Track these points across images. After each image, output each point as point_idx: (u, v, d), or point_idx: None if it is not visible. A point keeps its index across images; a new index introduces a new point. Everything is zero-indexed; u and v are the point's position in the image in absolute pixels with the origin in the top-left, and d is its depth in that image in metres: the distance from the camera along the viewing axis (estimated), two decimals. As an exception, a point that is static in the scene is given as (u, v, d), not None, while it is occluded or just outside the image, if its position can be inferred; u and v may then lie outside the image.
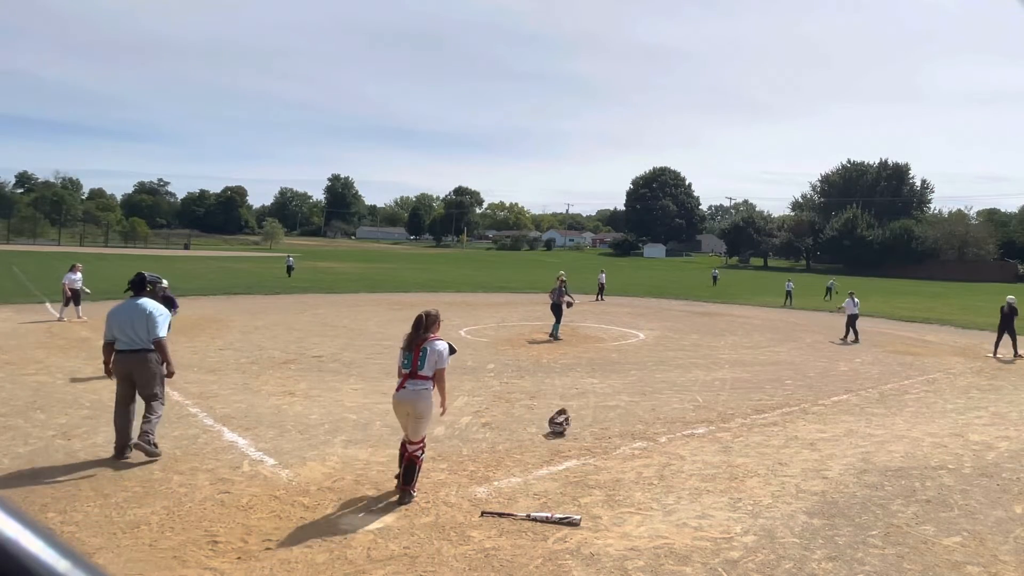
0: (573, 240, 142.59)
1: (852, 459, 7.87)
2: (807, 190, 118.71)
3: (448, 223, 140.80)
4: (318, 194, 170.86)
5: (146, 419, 7.05)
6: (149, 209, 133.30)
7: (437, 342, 6.16)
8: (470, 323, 19.38)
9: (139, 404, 7.31)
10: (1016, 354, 17.03)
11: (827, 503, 6.39)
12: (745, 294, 38.67)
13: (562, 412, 8.72)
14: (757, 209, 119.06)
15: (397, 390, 6.13)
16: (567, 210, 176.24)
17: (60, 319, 17.50)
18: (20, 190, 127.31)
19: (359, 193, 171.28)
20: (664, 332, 19.79)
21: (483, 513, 5.83)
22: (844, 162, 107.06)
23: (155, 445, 7.02)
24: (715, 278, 47.60)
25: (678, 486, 6.73)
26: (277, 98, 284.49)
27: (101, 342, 7.33)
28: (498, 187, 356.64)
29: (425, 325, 6.19)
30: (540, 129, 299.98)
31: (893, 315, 27.95)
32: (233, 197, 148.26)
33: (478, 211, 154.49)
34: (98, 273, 30.40)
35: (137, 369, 7.09)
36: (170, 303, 10.79)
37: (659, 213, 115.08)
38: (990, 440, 8.99)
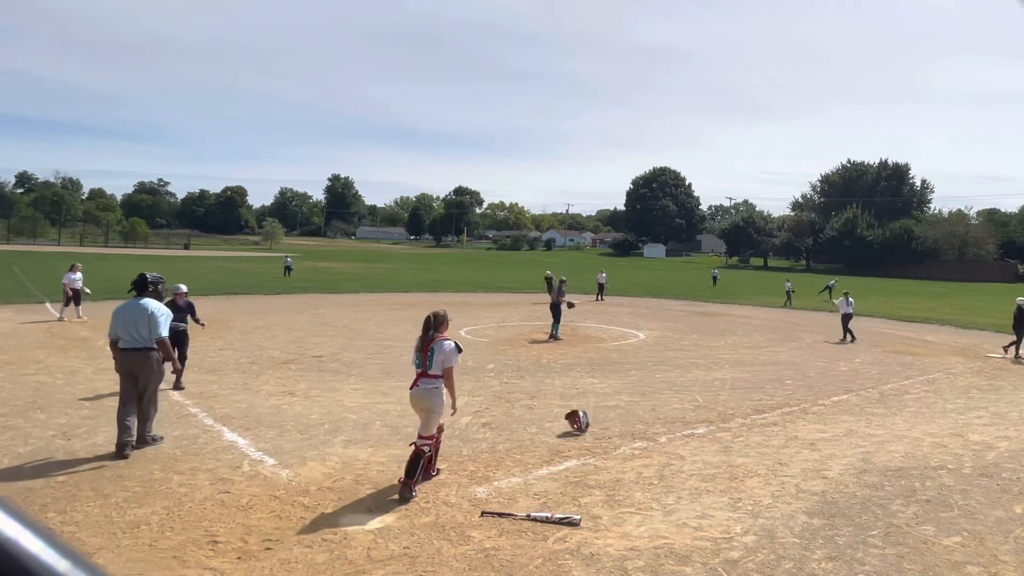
0: (573, 240, 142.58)
1: (852, 459, 7.87)
2: (807, 190, 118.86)
3: (448, 223, 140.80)
4: (318, 194, 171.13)
5: (141, 421, 7.33)
6: (149, 209, 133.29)
7: (444, 342, 6.36)
8: (470, 323, 19.38)
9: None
10: (1017, 355, 17.02)
11: (827, 503, 6.39)
12: (745, 294, 38.67)
13: (576, 413, 8.73)
14: (757, 209, 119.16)
15: (411, 388, 6.44)
16: (567, 210, 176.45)
17: (60, 319, 17.50)
18: (20, 190, 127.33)
19: (359, 193, 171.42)
20: (664, 332, 19.79)
21: (483, 513, 5.84)
22: (844, 162, 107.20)
23: (153, 437, 7.44)
24: (715, 278, 47.55)
25: (678, 486, 6.73)
26: (277, 98, 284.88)
27: (101, 342, 7.44)
28: (498, 187, 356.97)
29: (433, 325, 6.42)
30: (540, 129, 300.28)
31: (893, 315, 27.96)
32: (233, 197, 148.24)
33: (478, 211, 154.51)
34: (98, 273, 30.41)
35: (139, 367, 7.27)
36: (190, 311, 10.70)
37: (659, 213, 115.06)
38: (990, 440, 8.99)
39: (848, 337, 18.94)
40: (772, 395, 11.44)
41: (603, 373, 12.90)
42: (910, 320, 26.47)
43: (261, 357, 13.36)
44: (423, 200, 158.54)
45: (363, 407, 9.64)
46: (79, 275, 18.13)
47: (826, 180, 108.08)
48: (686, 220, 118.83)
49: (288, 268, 39.39)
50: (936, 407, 10.98)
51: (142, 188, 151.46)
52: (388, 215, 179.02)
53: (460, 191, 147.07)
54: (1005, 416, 10.51)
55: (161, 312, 7.37)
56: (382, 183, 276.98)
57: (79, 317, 17.67)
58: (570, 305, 17.77)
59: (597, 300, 30.29)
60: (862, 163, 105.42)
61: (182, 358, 10.18)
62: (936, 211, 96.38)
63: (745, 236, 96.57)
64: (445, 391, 6.36)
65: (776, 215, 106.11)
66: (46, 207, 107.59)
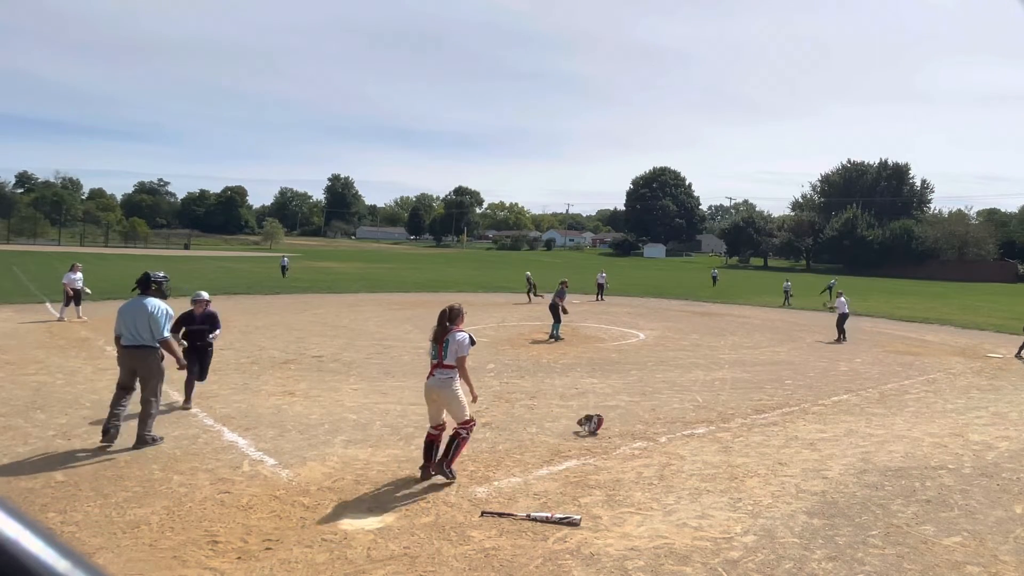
0: (573, 240, 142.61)
1: (852, 459, 7.87)
2: (807, 190, 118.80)
3: (448, 223, 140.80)
4: (318, 194, 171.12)
5: (141, 421, 7.37)
6: (149, 209, 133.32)
7: (458, 333, 6.64)
8: (470, 323, 19.22)
9: (141, 404, 7.40)
10: (1019, 354, 17.02)
11: (827, 503, 6.39)
12: (745, 294, 38.67)
13: (589, 418, 8.73)
14: (757, 209, 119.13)
15: (427, 378, 6.69)
16: (567, 210, 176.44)
17: (60, 319, 17.50)
18: (20, 190, 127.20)
19: (359, 193, 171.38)
20: (664, 332, 19.79)
21: (483, 513, 5.84)
22: (844, 162, 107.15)
23: (153, 438, 7.43)
24: (715, 278, 47.47)
25: (678, 486, 6.73)
26: (277, 98, 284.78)
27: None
28: (498, 187, 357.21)
29: (449, 318, 6.71)
30: (540, 129, 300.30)
31: (893, 315, 27.96)
32: (233, 197, 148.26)
33: (478, 211, 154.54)
34: (98, 273, 30.42)
35: (138, 365, 7.42)
36: (211, 323, 9.48)
37: (659, 213, 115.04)
38: (990, 440, 8.99)
39: (842, 337, 18.93)
40: (772, 395, 11.44)
41: (603, 373, 12.90)
42: (910, 320, 26.46)
43: (261, 357, 13.35)
44: (423, 200, 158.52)
45: (363, 407, 9.64)
46: (79, 275, 18.12)
47: (826, 180, 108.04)
48: (686, 220, 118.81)
49: (284, 268, 39.41)
50: (936, 407, 10.98)
51: (142, 188, 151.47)
52: (388, 215, 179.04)
53: (460, 191, 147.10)
54: (1005, 416, 10.50)
55: (162, 311, 7.44)
56: (382, 183, 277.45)
57: (79, 317, 17.67)
58: (563, 311, 17.69)
59: (597, 300, 30.29)
60: (862, 163, 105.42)
61: (202, 373, 9.26)
62: (936, 211, 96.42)
63: (745, 236, 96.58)
64: (459, 381, 6.60)
65: (776, 215, 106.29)
66: (46, 207, 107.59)
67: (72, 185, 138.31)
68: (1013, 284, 67.04)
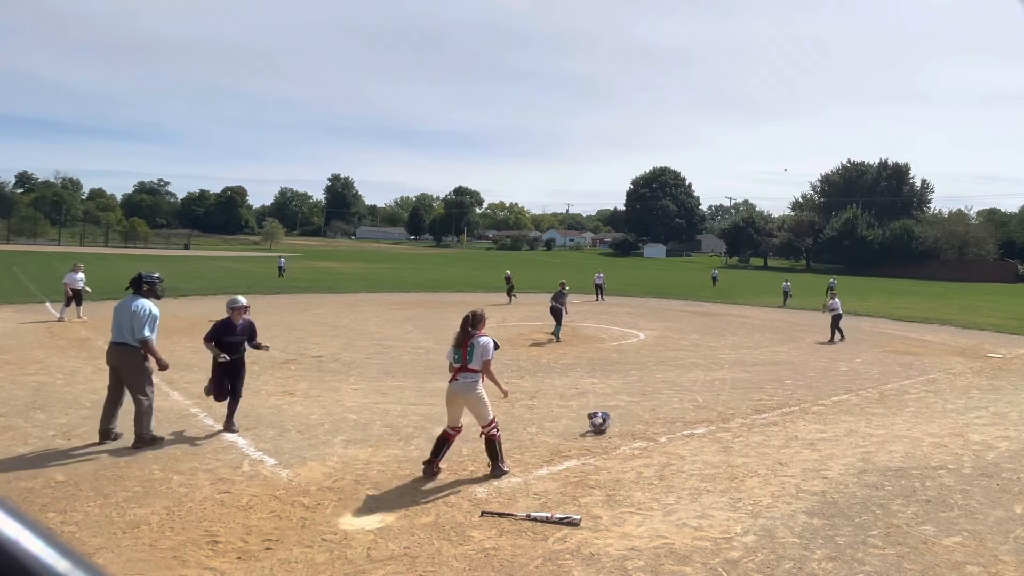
0: (573, 240, 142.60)
1: (852, 459, 7.87)
2: (807, 190, 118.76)
3: (448, 223, 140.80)
4: (318, 194, 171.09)
5: (135, 420, 7.40)
6: (149, 209, 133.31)
7: (482, 338, 6.83)
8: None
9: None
10: None
11: (827, 503, 6.39)
12: (745, 294, 38.66)
13: (596, 415, 8.72)
14: (757, 209, 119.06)
15: (450, 382, 6.84)
16: (567, 210, 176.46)
17: (60, 319, 17.50)
18: (20, 190, 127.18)
19: (359, 193, 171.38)
20: (664, 332, 19.79)
21: (483, 513, 5.84)
22: (844, 162, 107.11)
23: (152, 438, 7.45)
24: (715, 278, 47.38)
25: (678, 486, 6.73)
26: (277, 98, 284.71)
27: (100, 342, 7.56)
28: (498, 187, 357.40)
29: (472, 323, 6.87)
30: (540, 129, 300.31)
31: (893, 315, 27.95)
32: (233, 197, 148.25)
33: (478, 211, 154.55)
34: (98, 273, 30.39)
35: (120, 362, 7.56)
36: (249, 334, 8.27)
37: (659, 213, 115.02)
38: (990, 440, 8.99)
39: (838, 336, 18.86)
40: (772, 395, 11.44)
41: (603, 373, 12.90)
42: (910, 320, 26.45)
43: (261, 357, 13.33)
44: (423, 200, 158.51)
45: (363, 407, 9.64)
46: (81, 275, 18.13)
47: (826, 180, 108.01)
48: (686, 220, 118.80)
49: (282, 268, 39.33)
50: (936, 407, 10.98)
51: (142, 188, 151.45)
52: (388, 215, 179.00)
53: (460, 191, 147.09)
54: (1005, 416, 10.50)
55: (145, 312, 7.55)
56: (382, 183, 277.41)
57: (79, 317, 17.67)
58: (566, 312, 17.59)
59: (597, 300, 30.28)
60: (862, 163, 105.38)
61: (234, 393, 8.15)
62: (936, 211, 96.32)
63: (745, 236, 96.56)
64: (481, 384, 6.79)
65: (776, 215, 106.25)
66: (46, 207, 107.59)
67: (72, 185, 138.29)
68: (1013, 284, 67.01)
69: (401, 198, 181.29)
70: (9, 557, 0.57)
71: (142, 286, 7.73)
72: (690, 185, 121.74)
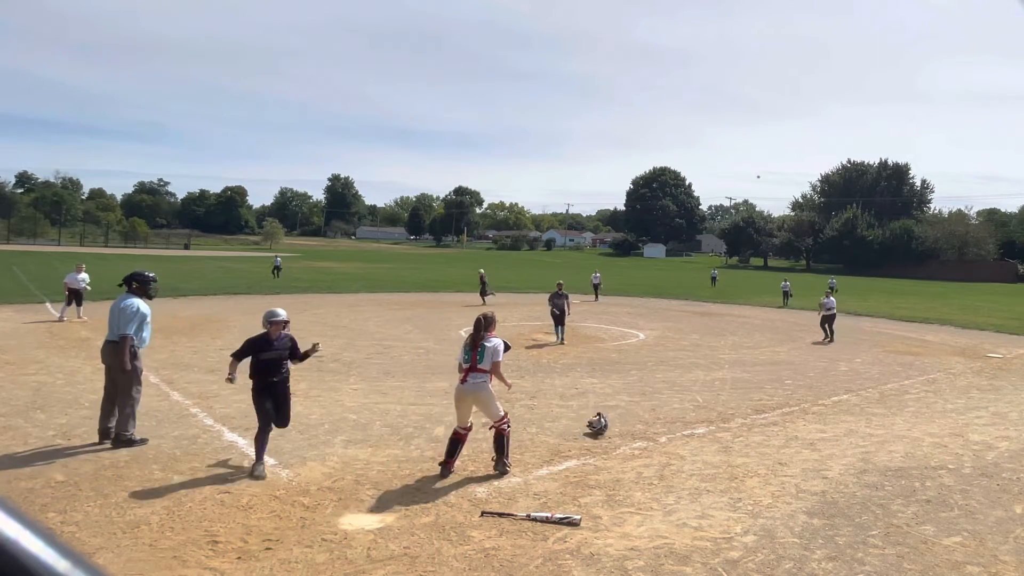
0: (573, 240, 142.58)
1: (852, 459, 7.87)
2: (807, 190, 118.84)
3: (448, 223, 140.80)
4: (318, 194, 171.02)
5: (118, 420, 7.43)
6: (149, 209, 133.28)
7: (493, 339, 7.02)
8: (470, 323, 19.32)
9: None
10: None
11: (827, 503, 6.39)
12: (745, 294, 38.66)
13: (599, 416, 8.72)
14: (757, 209, 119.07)
15: (460, 383, 6.98)
16: (567, 210, 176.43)
17: (60, 319, 17.50)
18: (20, 190, 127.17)
19: (359, 193, 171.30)
20: (664, 332, 19.79)
21: (483, 513, 5.84)
22: (844, 162, 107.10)
23: (130, 439, 7.40)
24: (714, 279, 47.29)
25: (678, 486, 6.73)
26: (277, 98, 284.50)
27: (100, 342, 7.57)
28: (498, 187, 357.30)
29: (484, 326, 7.04)
30: (540, 129, 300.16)
31: (893, 315, 27.95)
32: (233, 197, 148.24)
33: (478, 211, 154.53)
34: (98, 273, 30.38)
35: (109, 360, 7.61)
36: (292, 350, 7.08)
37: (659, 213, 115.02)
38: (990, 440, 8.99)
39: (831, 336, 18.74)
40: (772, 395, 11.44)
41: (603, 373, 12.90)
42: (910, 320, 26.45)
43: (261, 357, 13.34)
44: (423, 200, 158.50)
45: (363, 407, 9.64)
46: (84, 275, 18.14)
47: (826, 180, 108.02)
48: (686, 220, 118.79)
49: (277, 268, 38.72)
50: (936, 407, 10.98)
51: (142, 188, 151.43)
52: (388, 215, 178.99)
53: (460, 191, 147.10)
54: (1005, 416, 10.50)
55: (132, 310, 7.58)
56: (382, 183, 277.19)
57: (79, 317, 17.67)
58: (567, 313, 17.15)
59: (595, 300, 30.27)
60: (862, 163, 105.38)
61: (281, 417, 6.93)
62: (936, 211, 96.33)
63: (745, 236, 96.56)
64: (490, 384, 6.94)
65: (776, 215, 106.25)
66: (46, 207, 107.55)
67: (72, 185, 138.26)
68: (1013, 284, 67.02)
69: (401, 198, 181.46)
70: (9, 557, 0.57)
71: (132, 284, 7.79)
72: (690, 185, 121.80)
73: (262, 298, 26.34)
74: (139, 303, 7.67)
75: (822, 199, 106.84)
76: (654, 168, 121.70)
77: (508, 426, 7.04)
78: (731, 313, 27.26)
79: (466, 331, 18.10)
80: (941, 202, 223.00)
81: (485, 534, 5.44)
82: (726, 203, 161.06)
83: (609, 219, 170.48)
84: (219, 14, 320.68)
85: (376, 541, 5.25)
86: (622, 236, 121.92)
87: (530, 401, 10.31)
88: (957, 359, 16.54)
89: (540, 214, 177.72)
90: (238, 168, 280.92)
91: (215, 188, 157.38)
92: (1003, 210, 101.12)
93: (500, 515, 5.78)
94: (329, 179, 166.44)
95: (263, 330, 6.94)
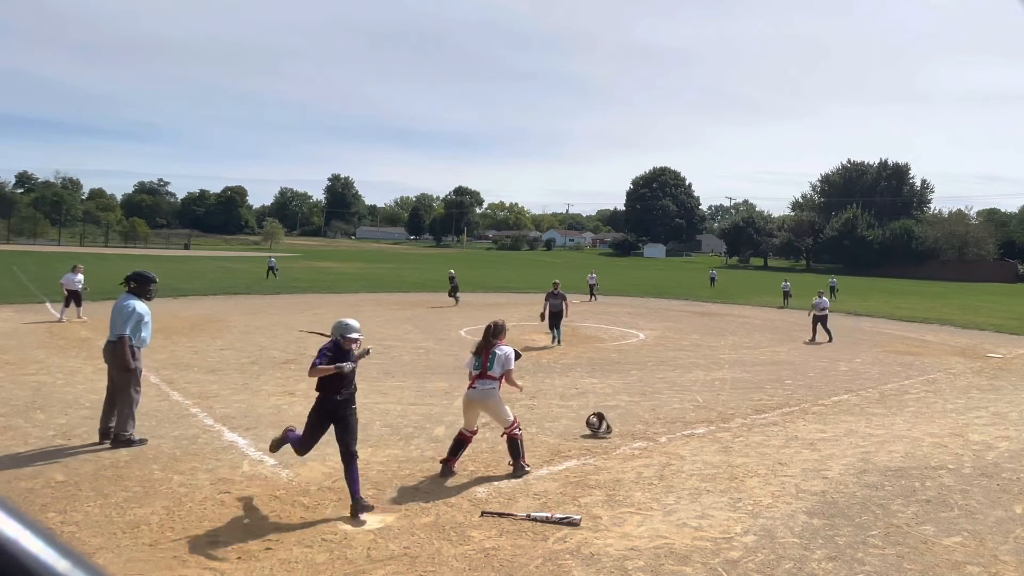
0: (573, 240, 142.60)
1: (852, 459, 7.87)
2: (807, 190, 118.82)
3: (448, 223, 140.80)
4: (318, 194, 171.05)
5: (117, 420, 7.43)
6: (149, 209, 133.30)
7: (504, 347, 6.97)
8: (470, 323, 19.37)
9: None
10: None
11: (827, 503, 6.39)
12: (745, 294, 38.66)
13: (599, 416, 8.68)
14: (757, 209, 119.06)
15: (468, 389, 6.98)
16: (567, 210, 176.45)
17: (60, 319, 17.50)
18: (20, 190, 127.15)
19: (359, 193, 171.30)
20: (664, 332, 19.79)
21: (483, 513, 5.84)
22: (844, 162, 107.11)
23: (133, 439, 7.41)
24: (713, 279, 47.16)
25: (678, 486, 6.73)
26: (277, 98, 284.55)
27: (100, 342, 7.59)
28: (498, 187, 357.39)
29: (493, 333, 7.01)
30: (540, 129, 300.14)
31: (893, 315, 27.95)
32: (233, 197, 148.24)
33: (478, 211, 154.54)
34: (98, 273, 30.41)
35: (109, 359, 7.63)
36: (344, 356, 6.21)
37: (659, 213, 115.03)
38: (990, 440, 8.99)
39: (828, 336, 18.68)
40: (772, 395, 11.44)
41: (603, 373, 12.90)
42: (910, 320, 26.45)
43: (261, 357, 13.35)
44: (423, 200, 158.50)
45: (363, 407, 9.59)
46: (80, 276, 18.12)
47: (826, 180, 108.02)
48: (686, 220, 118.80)
49: (272, 269, 37.46)
50: (936, 407, 10.98)
51: (142, 188, 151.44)
52: (388, 215, 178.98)
53: (460, 191, 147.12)
54: (1005, 416, 10.50)
55: (129, 310, 7.56)
56: (382, 183, 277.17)
57: (79, 317, 17.67)
58: (566, 314, 17.11)
59: (591, 300, 30.24)
60: (862, 163, 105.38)
61: (347, 452, 5.83)
62: (936, 211, 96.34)
63: (745, 236, 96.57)
64: (499, 390, 6.94)
65: (776, 215, 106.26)
66: (46, 207, 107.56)
67: (72, 185, 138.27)
68: (1013, 284, 67.02)
69: (401, 198, 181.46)
70: (9, 557, 0.57)
71: (130, 284, 7.78)
72: (690, 185, 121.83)
73: (262, 298, 26.35)
74: (136, 303, 7.62)
75: (822, 199, 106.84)
76: (654, 168, 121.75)
77: (520, 429, 7.04)
78: (731, 313, 27.26)
79: (466, 331, 18.17)
80: (941, 202, 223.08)
81: (485, 534, 5.44)
82: (726, 203, 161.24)
83: (609, 219, 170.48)
84: (219, 14, 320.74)
85: (376, 541, 5.25)
86: (622, 236, 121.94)
87: (530, 401, 10.31)
88: (957, 359, 16.54)
89: (540, 214, 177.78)
90: (238, 168, 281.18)
91: (215, 188, 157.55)
92: (1003, 210, 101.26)
93: (500, 515, 5.78)
94: (329, 179, 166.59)
95: (331, 338, 6.11)
